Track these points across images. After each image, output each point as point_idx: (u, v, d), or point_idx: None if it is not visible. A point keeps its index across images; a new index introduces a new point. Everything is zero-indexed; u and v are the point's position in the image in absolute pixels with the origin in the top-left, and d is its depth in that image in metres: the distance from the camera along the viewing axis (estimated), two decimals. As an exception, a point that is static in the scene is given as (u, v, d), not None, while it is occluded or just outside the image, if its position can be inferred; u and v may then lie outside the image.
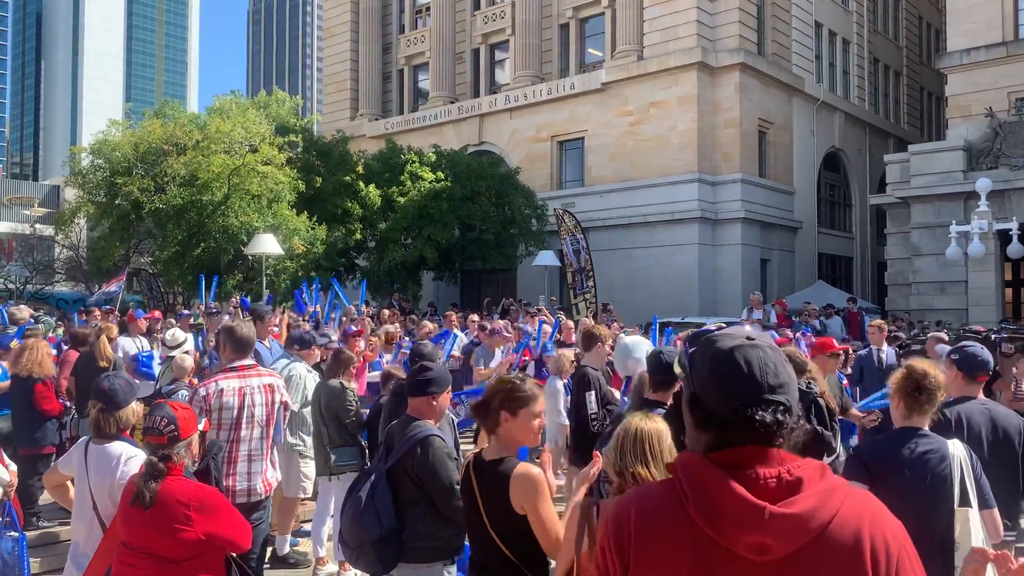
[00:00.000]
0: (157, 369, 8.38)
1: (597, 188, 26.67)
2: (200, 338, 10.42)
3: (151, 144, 21.04)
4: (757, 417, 1.45)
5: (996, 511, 3.27)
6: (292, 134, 23.11)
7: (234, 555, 3.49)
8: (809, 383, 5.23)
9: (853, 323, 17.43)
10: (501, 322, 11.85)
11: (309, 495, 7.08)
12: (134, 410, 3.94)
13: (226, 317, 10.40)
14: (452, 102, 31.69)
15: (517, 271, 26.70)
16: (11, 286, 27.06)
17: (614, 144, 26.50)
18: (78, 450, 3.91)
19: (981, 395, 4.07)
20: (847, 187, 31.23)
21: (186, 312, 13.41)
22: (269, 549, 6.32)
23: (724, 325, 1.83)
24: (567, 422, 7.46)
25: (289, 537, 6.89)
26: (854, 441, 7.33)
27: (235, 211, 19.08)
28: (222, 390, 4.80)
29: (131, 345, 9.78)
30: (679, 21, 25.35)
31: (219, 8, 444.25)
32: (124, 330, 10.18)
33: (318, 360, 7.37)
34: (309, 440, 6.71)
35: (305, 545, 7.02)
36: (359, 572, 5.07)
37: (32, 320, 11.38)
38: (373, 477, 3.70)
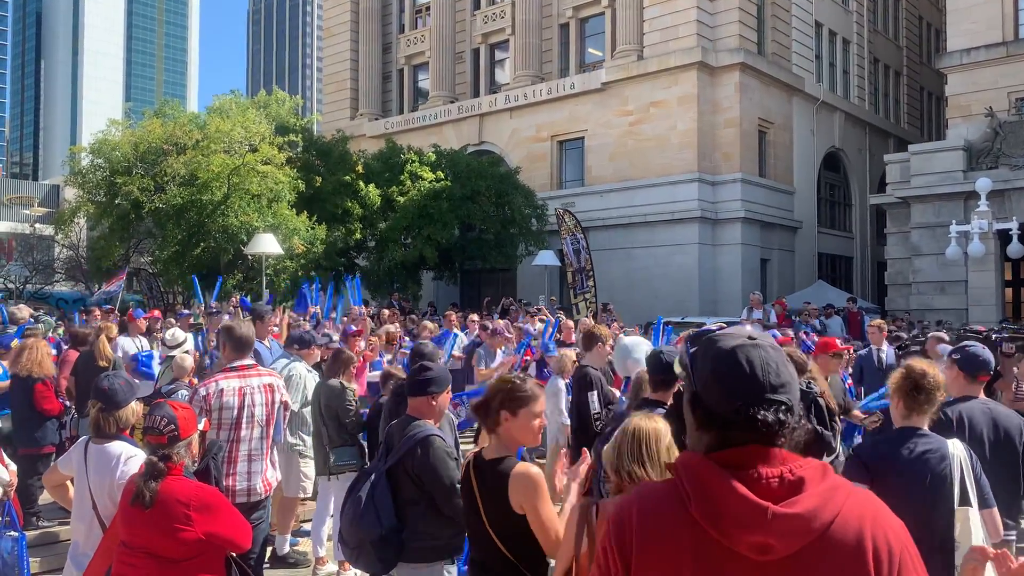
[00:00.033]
0: (156, 369, 8.38)
1: (597, 188, 26.67)
2: (200, 338, 10.42)
3: (151, 144, 21.04)
4: (759, 417, 1.45)
5: (996, 510, 3.28)
6: (292, 134, 23.11)
7: (234, 555, 3.49)
8: (809, 383, 5.23)
9: (853, 323, 17.43)
10: (501, 322, 11.84)
11: (309, 495, 7.07)
12: (134, 410, 3.94)
13: (226, 317, 10.40)
14: (452, 102, 31.69)
15: (517, 271, 26.71)
16: (11, 286, 27.04)
17: (614, 144, 26.50)
18: (78, 450, 3.90)
19: (982, 395, 4.06)
20: (847, 187, 31.24)
21: (186, 312, 13.40)
22: (269, 549, 6.32)
23: (724, 325, 1.83)
24: (568, 421, 7.46)
25: (289, 537, 6.89)
26: (858, 441, 7.31)
27: (235, 211, 19.08)
28: (222, 390, 4.80)
29: (130, 345, 9.78)
30: (679, 21, 25.35)
31: (219, 8, 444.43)
32: (124, 330, 10.18)
33: (318, 360, 7.37)
34: (309, 440, 6.71)
35: (305, 545, 7.02)
36: (359, 572, 5.07)
37: (32, 320, 11.38)
38: (373, 477, 3.69)
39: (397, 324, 12.58)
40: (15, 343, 8.14)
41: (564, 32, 29.69)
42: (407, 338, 11.50)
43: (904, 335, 11.80)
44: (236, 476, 4.74)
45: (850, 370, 9.59)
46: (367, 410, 6.52)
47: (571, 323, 11.65)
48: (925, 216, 20.77)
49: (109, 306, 15.65)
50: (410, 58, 34.54)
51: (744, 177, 24.88)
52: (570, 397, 7.45)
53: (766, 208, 25.57)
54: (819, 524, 1.41)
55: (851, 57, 31.11)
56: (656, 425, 2.85)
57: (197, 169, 19.39)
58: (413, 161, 23.98)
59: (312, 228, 20.33)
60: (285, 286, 19.33)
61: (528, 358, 9.91)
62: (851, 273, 30.94)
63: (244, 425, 4.81)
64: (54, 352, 8.25)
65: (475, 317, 13.46)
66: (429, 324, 12.36)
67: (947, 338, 8.14)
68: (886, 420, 5.15)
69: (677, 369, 1.71)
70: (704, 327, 1.72)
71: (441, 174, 23.57)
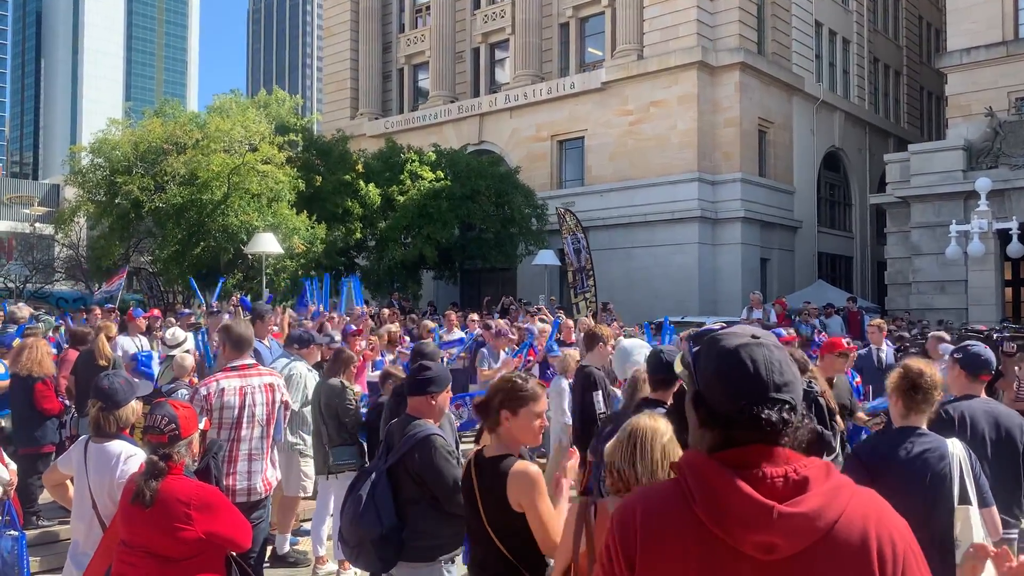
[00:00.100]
0: (156, 369, 8.37)
1: (597, 187, 26.67)
2: (200, 337, 10.41)
3: (151, 143, 21.04)
4: (763, 416, 1.45)
5: (995, 509, 3.28)
6: (292, 133, 23.10)
7: (234, 554, 3.49)
8: (810, 382, 5.23)
9: (853, 322, 17.42)
10: (501, 321, 11.83)
11: (309, 494, 7.07)
12: (134, 409, 3.94)
13: (226, 316, 10.39)
14: (452, 101, 31.69)
15: (517, 270, 26.71)
16: (11, 285, 27.04)
17: (614, 143, 26.50)
18: (78, 449, 3.90)
19: (983, 394, 4.07)
20: (847, 186, 31.24)
21: (187, 311, 13.39)
22: (269, 548, 6.32)
23: (726, 325, 1.83)
24: (571, 421, 7.45)
25: (289, 536, 6.89)
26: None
27: (235, 210, 19.08)
28: (223, 389, 4.80)
29: (130, 344, 9.77)
30: (679, 20, 25.35)
31: (219, 7, 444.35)
32: (123, 329, 10.17)
33: (318, 359, 7.37)
34: (309, 439, 6.71)
35: (305, 544, 7.02)
36: (359, 571, 5.07)
37: (32, 319, 11.38)
38: (374, 476, 3.69)
39: (397, 324, 12.58)
40: (17, 342, 8.14)
41: (564, 32, 29.69)
42: (407, 338, 11.49)
43: (906, 335, 11.81)
44: (236, 475, 4.74)
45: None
46: (366, 409, 6.52)
47: (571, 323, 11.65)
48: (925, 216, 20.77)
49: (110, 305, 15.65)
50: (410, 57, 34.53)
51: (744, 177, 24.88)
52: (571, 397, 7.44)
53: (766, 208, 25.57)
54: (824, 523, 1.41)
55: (851, 57, 31.11)
56: (655, 424, 2.82)
57: (197, 168, 19.39)
58: (413, 160, 23.97)
59: (312, 227, 20.33)
60: (285, 285, 19.33)
61: (531, 359, 9.89)
62: (851, 273, 30.94)
63: (244, 424, 4.81)
64: (54, 351, 8.25)
65: (475, 316, 13.47)
66: (430, 323, 12.36)
67: (948, 338, 8.15)
68: (888, 422, 5.16)
69: (678, 368, 1.71)
70: (705, 327, 1.71)
71: (441, 173, 23.56)
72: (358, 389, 6.76)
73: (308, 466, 6.79)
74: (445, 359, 8.81)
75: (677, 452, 2.68)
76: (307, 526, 7.22)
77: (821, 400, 5.21)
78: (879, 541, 1.43)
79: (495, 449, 3.19)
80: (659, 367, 4.26)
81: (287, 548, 6.82)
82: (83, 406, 7.26)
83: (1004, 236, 17.62)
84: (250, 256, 18.11)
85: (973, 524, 3.10)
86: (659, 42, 25.72)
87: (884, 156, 25.21)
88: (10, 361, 7.52)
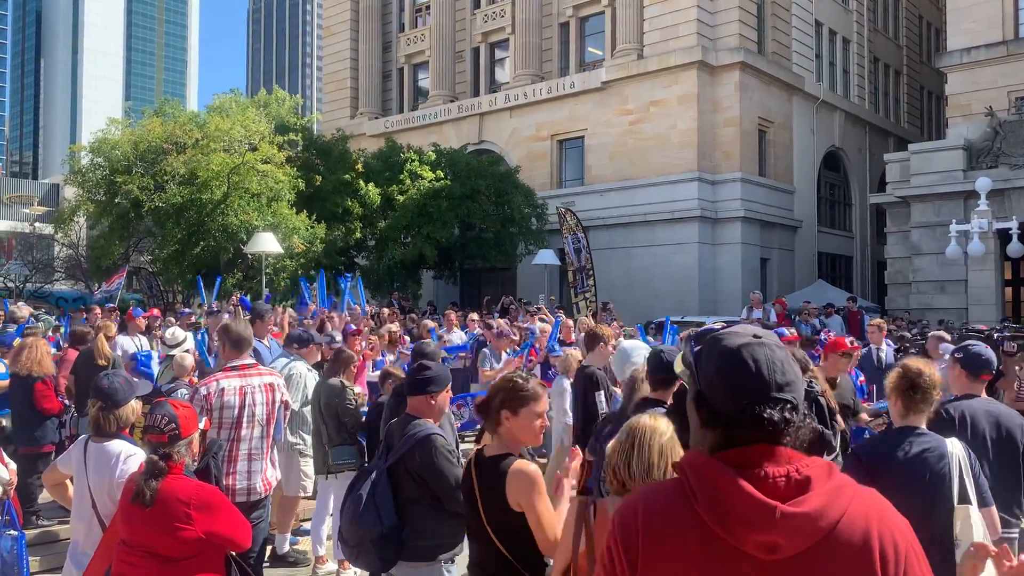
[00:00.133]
0: (156, 368, 8.36)
1: (597, 187, 26.67)
2: (201, 337, 10.40)
3: (151, 143, 21.04)
4: (765, 415, 1.44)
5: (994, 509, 3.28)
6: (292, 133, 23.09)
7: (234, 554, 3.49)
8: (811, 382, 5.23)
9: (853, 322, 17.41)
10: (501, 321, 11.83)
11: (309, 494, 7.07)
12: (133, 408, 3.94)
13: (226, 316, 10.39)
14: (452, 101, 31.68)
15: (517, 270, 26.71)
16: (11, 285, 27.04)
17: (614, 143, 26.49)
18: (77, 448, 3.90)
19: (984, 394, 4.07)
20: (847, 186, 31.24)
21: (187, 311, 13.39)
22: (269, 548, 6.32)
23: (726, 324, 1.82)
24: (572, 421, 7.45)
25: (289, 536, 6.88)
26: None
27: (235, 210, 19.07)
28: (223, 389, 4.79)
29: (130, 344, 9.77)
30: (679, 20, 25.35)
31: (219, 7, 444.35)
32: (123, 329, 10.17)
33: (318, 359, 7.37)
34: (309, 439, 6.70)
35: (305, 544, 7.01)
36: (359, 570, 5.06)
37: (32, 319, 11.38)
38: (374, 475, 3.69)
39: (397, 324, 12.58)
40: (17, 342, 8.14)
41: (564, 31, 29.68)
42: (407, 338, 11.49)
43: (906, 334, 11.81)
44: (236, 475, 4.74)
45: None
46: (366, 409, 6.52)
47: (571, 322, 11.65)
48: (925, 215, 20.77)
49: (110, 305, 15.65)
50: (410, 57, 34.52)
51: (744, 176, 24.88)
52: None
53: (766, 207, 25.57)
54: (826, 523, 1.40)
55: (851, 56, 31.11)
56: (655, 424, 2.79)
57: (197, 168, 19.39)
58: (413, 160, 23.96)
59: (312, 227, 20.33)
60: (285, 285, 19.33)
61: (532, 359, 9.88)
62: (851, 272, 30.94)
63: (244, 424, 4.81)
64: (54, 351, 8.25)
65: (475, 316, 13.46)
66: (430, 323, 12.36)
67: (948, 337, 8.14)
68: (890, 423, 5.16)
69: (679, 368, 1.70)
70: (705, 326, 1.71)
71: (441, 173, 23.55)
72: (359, 389, 6.75)
73: (308, 466, 6.79)
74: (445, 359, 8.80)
75: (676, 451, 2.67)
76: (307, 526, 7.22)
77: (821, 400, 5.21)
78: (881, 541, 1.43)
79: (495, 449, 3.19)
80: (659, 367, 4.25)
81: (287, 548, 6.82)
82: (83, 406, 7.26)
83: (1004, 236, 17.62)
84: (250, 256, 18.11)
85: (973, 523, 3.10)
86: (659, 42, 25.72)
87: (884, 156, 25.21)
88: (10, 361, 7.52)
